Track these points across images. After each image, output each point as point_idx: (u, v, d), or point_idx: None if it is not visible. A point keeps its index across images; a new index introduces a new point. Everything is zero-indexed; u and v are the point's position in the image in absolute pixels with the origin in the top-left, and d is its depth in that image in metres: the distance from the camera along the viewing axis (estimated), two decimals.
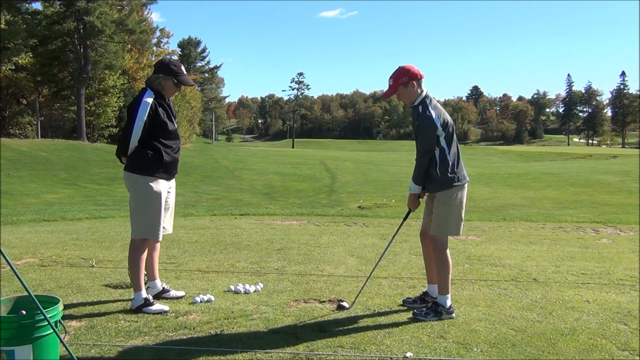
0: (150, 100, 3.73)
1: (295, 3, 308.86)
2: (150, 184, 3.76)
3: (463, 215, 3.82)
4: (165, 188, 3.89)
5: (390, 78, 3.80)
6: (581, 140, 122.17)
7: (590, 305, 4.00)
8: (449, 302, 3.69)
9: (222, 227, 7.85)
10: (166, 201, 3.97)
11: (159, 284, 4.10)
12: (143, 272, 3.87)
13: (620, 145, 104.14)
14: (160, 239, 3.91)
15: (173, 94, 3.98)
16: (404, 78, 3.73)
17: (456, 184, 3.72)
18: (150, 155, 3.76)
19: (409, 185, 3.84)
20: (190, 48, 73.96)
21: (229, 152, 52.81)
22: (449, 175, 3.70)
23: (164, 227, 3.99)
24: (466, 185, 3.82)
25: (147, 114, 3.69)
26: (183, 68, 3.96)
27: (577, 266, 5.37)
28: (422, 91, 3.76)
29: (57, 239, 6.72)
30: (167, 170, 3.87)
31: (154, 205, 3.79)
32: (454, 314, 3.68)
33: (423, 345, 3.17)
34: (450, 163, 3.70)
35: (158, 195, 3.80)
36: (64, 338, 2.67)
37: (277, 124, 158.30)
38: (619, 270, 5.20)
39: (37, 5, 38.48)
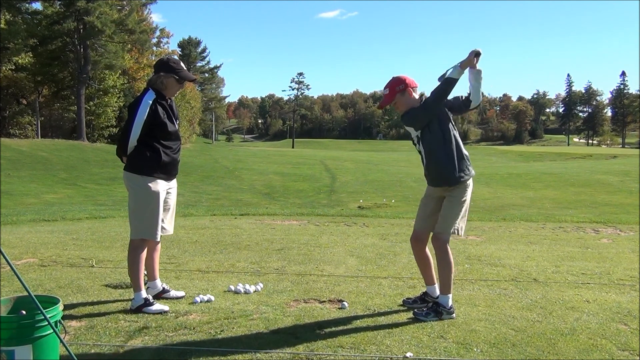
0: (150, 100, 3.73)
1: (295, 4, 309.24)
2: (149, 184, 3.76)
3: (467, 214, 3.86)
4: (164, 188, 3.88)
5: (386, 87, 3.82)
6: (581, 140, 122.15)
7: (590, 305, 4.00)
8: (450, 302, 3.69)
9: (222, 227, 7.85)
10: (166, 202, 3.97)
11: (159, 284, 4.10)
12: (143, 272, 3.87)
13: (620, 145, 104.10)
14: (158, 239, 3.90)
15: (176, 92, 3.97)
16: (401, 85, 3.76)
17: (467, 179, 3.74)
18: (148, 155, 3.75)
19: (452, 72, 3.63)
20: (190, 48, 73.85)
21: (229, 152, 52.80)
22: (466, 169, 3.72)
23: (164, 228, 3.98)
24: (471, 180, 3.84)
25: (146, 114, 3.69)
26: (182, 64, 3.96)
27: (577, 266, 5.37)
28: (417, 98, 3.80)
29: (57, 239, 6.71)
30: (166, 171, 3.86)
31: (152, 206, 3.78)
32: (454, 314, 3.68)
33: (423, 345, 3.17)
34: (465, 155, 3.74)
35: (156, 195, 3.79)
36: (64, 338, 2.67)
37: (277, 124, 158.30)
38: (619, 270, 5.20)
39: (37, 5, 38.47)
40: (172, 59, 3.92)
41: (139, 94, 3.84)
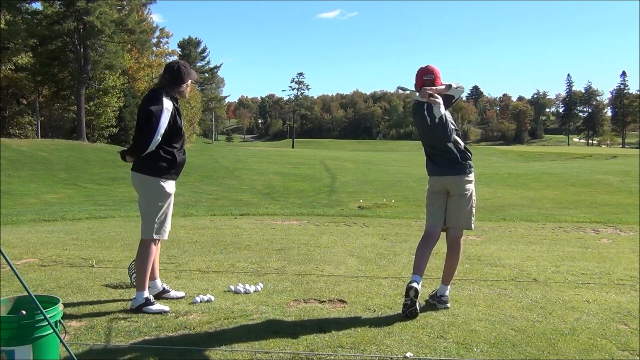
0: (170, 107, 3.78)
1: (295, 4, 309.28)
2: (162, 184, 3.82)
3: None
4: (174, 188, 3.96)
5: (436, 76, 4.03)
6: (581, 140, 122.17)
7: (590, 305, 4.00)
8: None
9: (222, 227, 7.85)
10: None
11: (159, 284, 4.11)
12: (149, 271, 3.89)
13: (620, 145, 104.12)
14: (167, 237, 3.97)
15: (187, 93, 4.08)
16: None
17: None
18: (164, 157, 3.80)
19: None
20: (190, 48, 73.81)
21: (229, 152, 52.81)
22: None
23: None
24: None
25: (168, 121, 3.73)
26: (188, 64, 4.05)
27: (577, 266, 5.37)
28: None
29: (57, 239, 6.71)
30: (177, 172, 3.95)
31: (164, 206, 3.86)
32: (448, 304, 3.89)
33: (423, 345, 3.17)
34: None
35: (169, 195, 3.87)
36: (64, 338, 2.67)
37: (277, 124, 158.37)
38: (619, 270, 5.20)
39: (37, 5, 38.54)
40: (183, 65, 3.95)
41: (154, 96, 3.80)
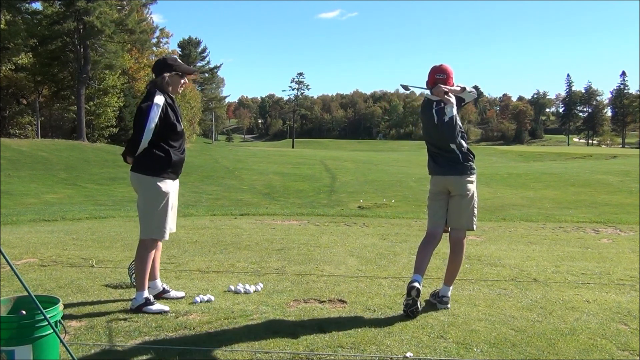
0: (161, 102, 3.77)
1: (295, 4, 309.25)
2: (159, 184, 3.81)
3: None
4: (173, 188, 3.94)
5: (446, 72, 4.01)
6: (581, 140, 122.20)
7: (590, 305, 4.00)
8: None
9: (222, 227, 7.85)
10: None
11: (160, 284, 4.11)
12: (149, 272, 3.89)
13: (620, 145, 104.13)
14: (167, 237, 3.95)
15: (180, 87, 4.02)
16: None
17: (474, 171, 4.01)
18: (159, 156, 3.79)
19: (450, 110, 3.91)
20: (190, 48, 73.87)
21: (229, 152, 52.81)
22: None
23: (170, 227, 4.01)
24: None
25: (158, 116, 3.72)
26: (178, 59, 4.05)
27: (577, 266, 5.37)
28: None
29: (57, 239, 6.71)
30: (175, 171, 3.92)
31: (162, 205, 3.84)
32: (448, 305, 3.89)
33: (423, 345, 3.17)
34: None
35: (166, 195, 3.85)
36: (64, 338, 2.66)
37: (277, 124, 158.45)
38: (619, 270, 5.20)
39: (37, 5, 38.52)
40: (169, 57, 3.99)
41: (146, 95, 3.83)
